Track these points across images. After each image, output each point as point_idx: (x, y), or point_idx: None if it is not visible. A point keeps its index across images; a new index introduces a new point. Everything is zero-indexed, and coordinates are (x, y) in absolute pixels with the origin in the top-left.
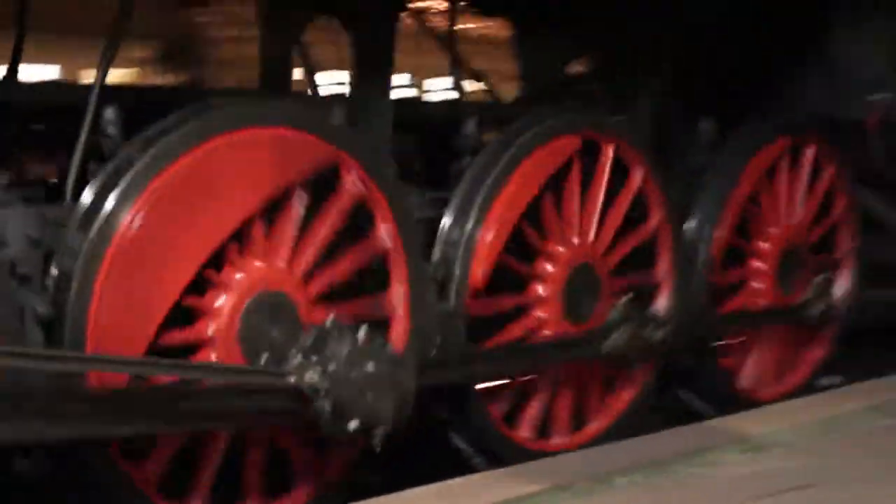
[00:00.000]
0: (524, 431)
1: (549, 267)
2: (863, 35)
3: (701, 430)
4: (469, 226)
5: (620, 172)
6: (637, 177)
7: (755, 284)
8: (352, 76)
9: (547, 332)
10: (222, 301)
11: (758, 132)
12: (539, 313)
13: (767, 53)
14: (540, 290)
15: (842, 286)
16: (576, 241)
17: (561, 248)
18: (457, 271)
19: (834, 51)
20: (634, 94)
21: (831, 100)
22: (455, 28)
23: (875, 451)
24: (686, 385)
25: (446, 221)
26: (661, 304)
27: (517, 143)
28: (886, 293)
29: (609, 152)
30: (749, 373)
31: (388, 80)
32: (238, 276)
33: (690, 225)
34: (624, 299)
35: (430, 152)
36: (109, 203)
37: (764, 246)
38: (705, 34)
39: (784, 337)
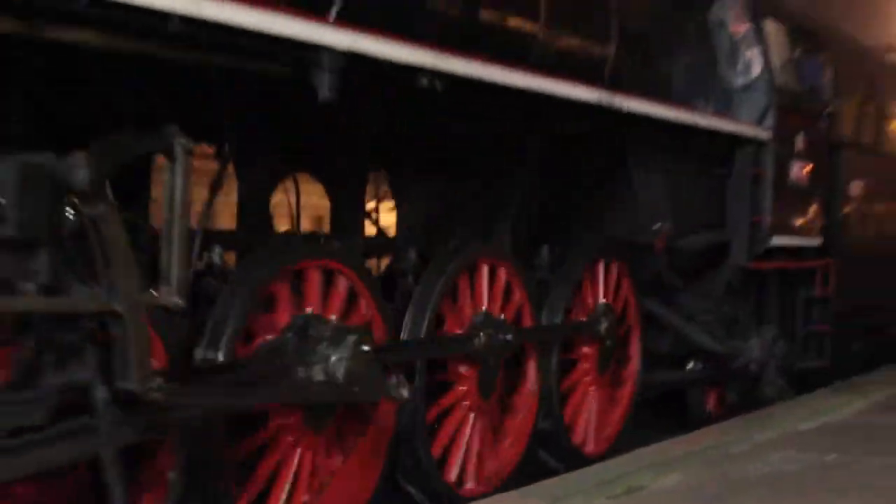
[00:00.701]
0: None
1: None
2: (650, 175)
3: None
4: None
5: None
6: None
7: None
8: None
9: None
10: None
11: (581, 254)
12: None
13: (588, 193)
14: None
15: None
16: None
17: None
18: None
19: (632, 189)
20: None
21: (632, 227)
22: None
23: None
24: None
25: None
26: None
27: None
28: (663, 374)
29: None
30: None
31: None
32: None
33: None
34: None
35: None
36: None
37: None
38: (540, 185)
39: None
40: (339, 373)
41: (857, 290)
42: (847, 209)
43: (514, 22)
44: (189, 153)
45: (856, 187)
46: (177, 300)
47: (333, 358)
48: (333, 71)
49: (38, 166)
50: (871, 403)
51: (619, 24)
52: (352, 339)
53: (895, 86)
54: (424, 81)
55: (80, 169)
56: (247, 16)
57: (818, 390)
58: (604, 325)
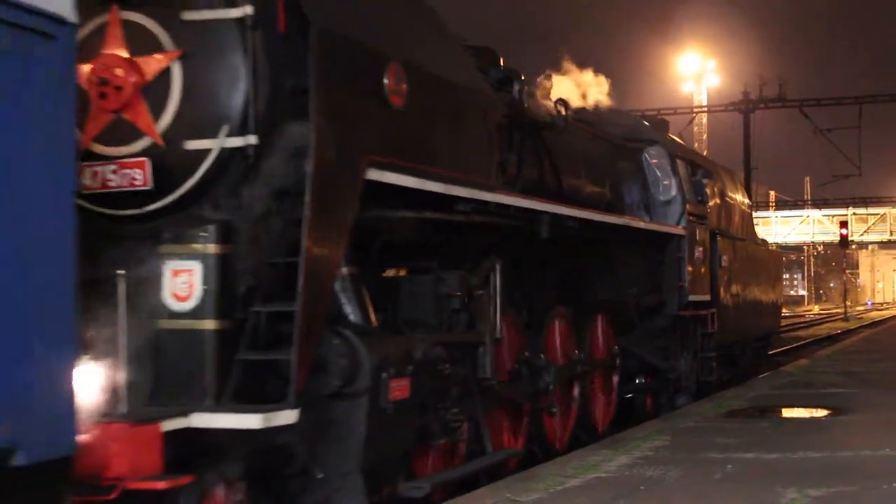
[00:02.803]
0: None
1: None
2: (629, 259)
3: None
4: None
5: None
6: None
7: None
8: None
9: None
10: None
11: (586, 310)
12: None
13: (584, 269)
14: None
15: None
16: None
17: None
18: None
19: (615, 267)
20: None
21: (614, 291)
22: None
23: None
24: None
25: None
26: None
27: None
28: (629, 385)
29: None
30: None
31: None
32: None
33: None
34: None
35: None
36: None
37: None
38: (558, 263)
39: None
40: None
41: (729, 328)
42: (721, 275)
43: (576, 183)
44: (502, 269)
45: (724, 260)
46: (497, 335)
47: None
48: (546, 223)
49: (450, 278)
50: (635, 458)
51: (606, 173)
52: None
53: (735, 191)
54: (569, 224)
55: (459, 279)
56: (517, 201)
57: (589, 446)
58: (617, 360)
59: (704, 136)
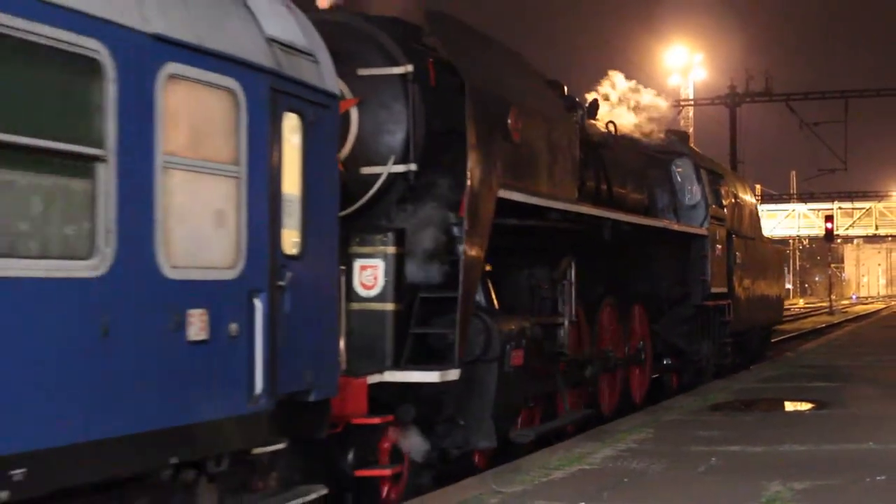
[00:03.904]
0: None
1: None
2: (662, 264)
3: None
4: None
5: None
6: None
7: None
8: None
9: None
10: None
11: (625, 299)
12: None
13: (625, 265)
14: None
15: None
16: None
17: None
18: None
19: (650, 262)
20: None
21: (652, 289)
22: None
23: None
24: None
25: None
26: None
27: None
28: (658, 365)
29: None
30: (634, 391)
31: None
32: None
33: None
34: None
35: None
36: None
37: None
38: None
39: None
40: None
41: (741, 318)
42: (735, 270)
43: (623, 191)
44: (572, 261)
45: (738, 257)
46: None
47: None
48: (609, 227)
49: (540, 273)
50: (619, 450)
51: (644, 181)
52: None
53: (745, 193)
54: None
55: (546, 273)
56: (591, 210)
57: (575, 437)
58: (651, 339)
59: (691, 130)
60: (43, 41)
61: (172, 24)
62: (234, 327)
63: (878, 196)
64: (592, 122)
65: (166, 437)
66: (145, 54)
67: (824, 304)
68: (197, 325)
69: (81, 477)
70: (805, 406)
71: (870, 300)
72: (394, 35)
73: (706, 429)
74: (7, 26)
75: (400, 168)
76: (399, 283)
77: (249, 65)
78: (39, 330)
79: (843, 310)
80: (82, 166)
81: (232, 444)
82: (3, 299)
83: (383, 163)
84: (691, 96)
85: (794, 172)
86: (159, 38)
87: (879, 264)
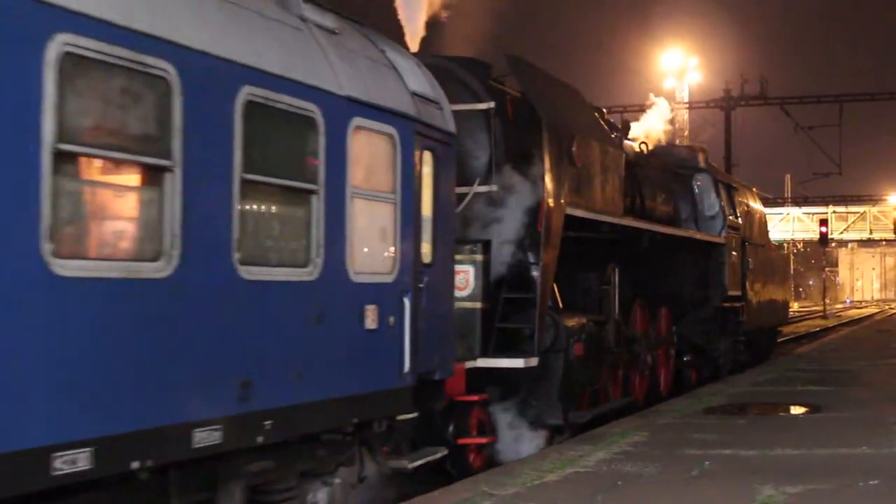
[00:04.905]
0: None
1: None
2: (685, 270)
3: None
4: None
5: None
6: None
7: None
8: None
9: None
10: None
11: (653, 302)
12: None
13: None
14: None
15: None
16: None
17: None
18: None
19: (675, 268)
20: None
21: (676, 292)
22: None
23: None
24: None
25: None
26: None
27: None
28: (679, 360)
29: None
30: (662, 382)
31: None
32: None
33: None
34: None
35: None
36: None
37: None
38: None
39: None
40: None
41: (753, 319)
42: (748, 275)
43: (653, 204)
44: (615, 268)
45: (751, 263)
46: (616, 317)
47: None
48: (647, 237)
49: (591, 277)
50: (613, 453)
51: (670, 195)
52: None
53: (756, 202)
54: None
55: (596, 278)
56: (634, 223)
57: (566, 441)
58: (675, 337)
59: (686, 133)
60: (287, 108)
61: (356, 87)
62: (391, 319)
63: (872, 200)
64: (626, 141)
65: (351, 402)
66: (342, 112)
67: (818, 308)
68: (370, 317)
69: (301, 429)
70: (799, 410)
71: (864, 304)
72: (474, 74)
73: (700, 432)
74: (274, 100)
75: (483, 188)
76: (486, 286)
77: (402, 115)
78: (290, 317)
79: (838, 314)
80: (304, 198)
81: (388, 410)
82: (269, 296)
83: (470, 183)
84: (686, 99)
85: (788, 176)
86: (350, 99)
87: (874, 268)
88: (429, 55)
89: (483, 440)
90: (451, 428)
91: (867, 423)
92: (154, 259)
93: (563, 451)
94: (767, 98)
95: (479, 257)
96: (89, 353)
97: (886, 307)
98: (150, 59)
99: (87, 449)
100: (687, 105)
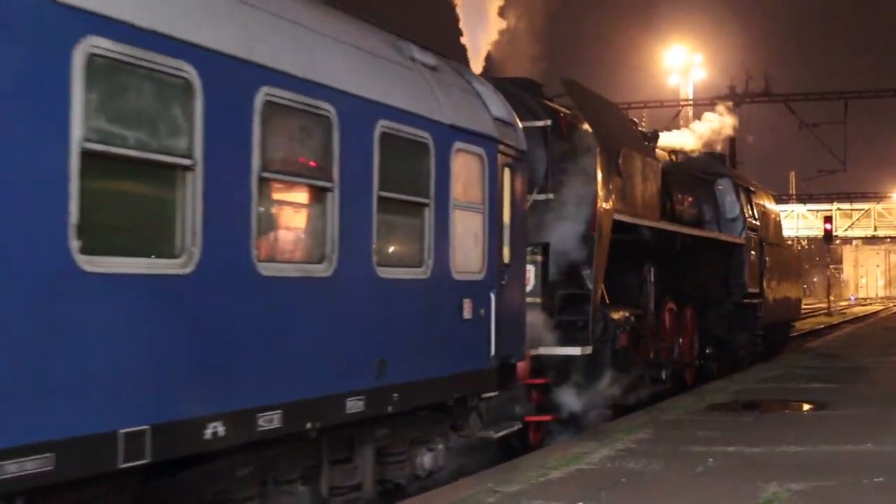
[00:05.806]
0: None
1: None
2: (709, 268)
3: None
4: None
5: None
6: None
7: None
8: None
9: None
10: None
11: (677, 300)
12: None
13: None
14: None
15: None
16: None
17: None
18: None
19: (699, 267)
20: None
21: (700, 289)
22: None
23: None
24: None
25: None
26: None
27: None
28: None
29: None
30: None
31: None
32: None
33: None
34: None
35: None
36: None
37: None
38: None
39: None
40: None
41: (769, 314)
42: (765, 273)
43: (682, 208)
44: (651, 267)
45: (768, 262)
46: (652, 311)
47: None
48: (680, 239)
49: (631, 276)
50: (617, 450)
51: (695, 199)
52: None
53: (771, 203)
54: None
55: (635, 277)
56: (669, 226)
57: (571, 438)
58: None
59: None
60: (409, 136)
61: (457, 116)
62: (482, 311)
63: (877, 197)
64: (657, 149)
65: (453, 380)
66: (447, 137)
67: (823, 305)
68: (467, 309)
69: (419, 401)
70: (803, 407)
71: (868, 301)
72: (531, 94)
73: (704, 429)
74: (400, 130)
75: (542, 196)
76: (545, 283)
77: (488, 137)
78: (411, 308)
79: (842, 311)
80: (419, 210)
81: (479, 388)
82: (397, 291)
83: (530, 192)
84: (691, 96)
85: (793, 173)
86: (452, 127)
87: (878, 265)
88: (490, 77)
89: (547, 418)
90: (517, 407)
91: (872, 421)
92: (319, 261)
93: (568, 447)
94: (772, 95)
95: (539, 258)
96: (290, 341)
97: (891, 304)
98: (315, 102)
99: (278, 411)
100: (692, 102)
